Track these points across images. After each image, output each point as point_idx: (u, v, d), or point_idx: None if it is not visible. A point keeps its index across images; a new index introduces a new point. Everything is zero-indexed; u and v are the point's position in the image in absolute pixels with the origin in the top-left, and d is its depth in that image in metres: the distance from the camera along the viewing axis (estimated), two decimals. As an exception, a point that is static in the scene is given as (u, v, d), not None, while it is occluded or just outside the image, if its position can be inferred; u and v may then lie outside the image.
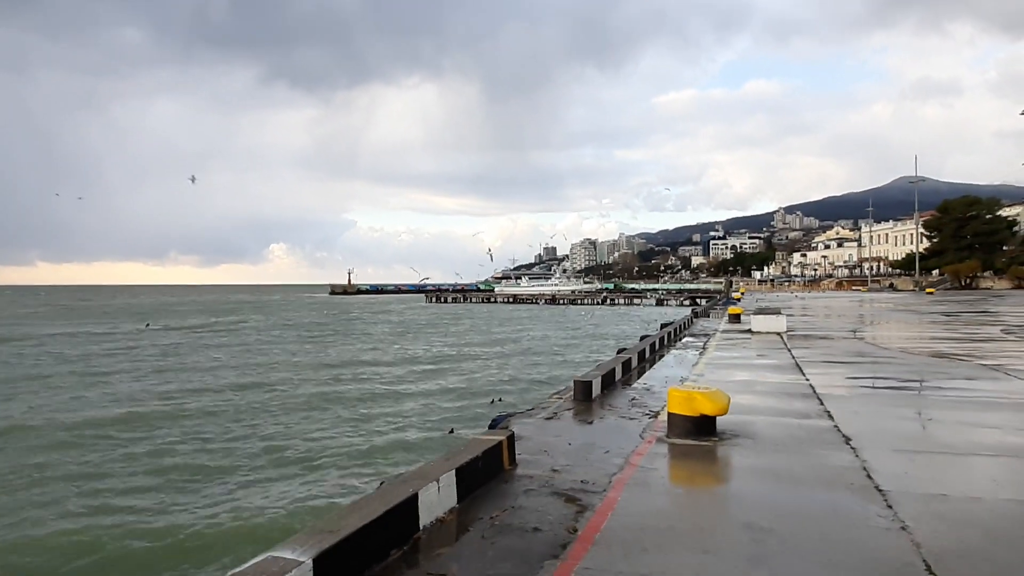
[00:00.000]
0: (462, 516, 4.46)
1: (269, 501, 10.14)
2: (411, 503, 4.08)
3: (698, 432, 6.50)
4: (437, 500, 4.37)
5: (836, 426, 7.02)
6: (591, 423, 7.58)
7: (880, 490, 4.83)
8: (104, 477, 11.66)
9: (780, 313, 20.40)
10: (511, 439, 5.66)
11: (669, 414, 6.76)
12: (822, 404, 8.27)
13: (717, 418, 6.61)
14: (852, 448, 6.09)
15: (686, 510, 4.65)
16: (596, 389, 9.20)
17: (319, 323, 59.15)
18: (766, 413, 7.74)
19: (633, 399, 9.02)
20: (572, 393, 9.13)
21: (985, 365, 11.88)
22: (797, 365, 12.05)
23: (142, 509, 9.96)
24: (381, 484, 6.31)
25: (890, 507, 4.48)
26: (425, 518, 4.21)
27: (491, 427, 8.72)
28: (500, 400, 19.11)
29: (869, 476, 5.19)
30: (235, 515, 9.47)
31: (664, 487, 5.18)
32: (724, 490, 5.15)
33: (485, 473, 5.11)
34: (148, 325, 54.44)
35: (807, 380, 10.25)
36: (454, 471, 4.62)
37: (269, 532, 8.36)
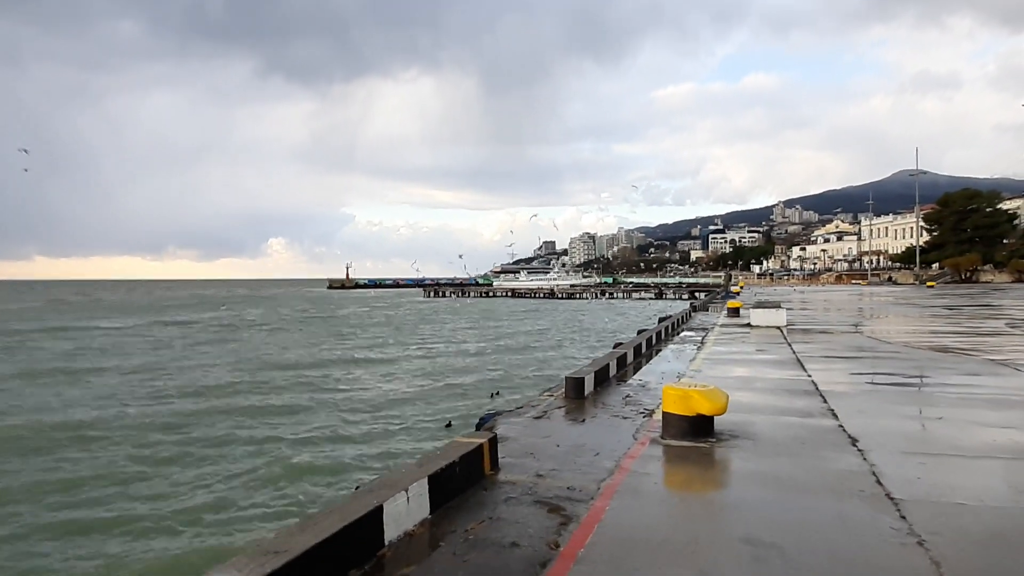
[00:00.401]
0: (435, 529, 4.07)
1: (242, 512, 9.60)
2: (375, 516, 3.68)
3: (695, 433, 6.10)
4: (406, 511, 3.98)
5: (841, 426, 6.63)
6: (582, 422, 7.18)
7: (892, 498, 4.44)
8: (51, 485, 10.75)
9: (780, 307, 20.09)
10: (493, 442, 5.26)
11: (664, 413, 6.35)
12: (825, 402, 7.88)
13: (715, 418, 6.22)
14: (859, 450, 5.70)
15: (680, 521, 4.25)
16: (589, 386, 8.80)
17: (315, 317, 58.70)
18: (767, 412, 7.35)
19: (627, 396, 8.61)
20: (564, 390, 8.73)
21: (992, 360, 11.49)
22: (798, 360, 11.65)
23: (90, 523, 9.21)
24: (357, 488, 5.93)
25: (904, 518, 4.09)
26: (392, 532, 3.81)
27: (478, 427, 8.33)
28: (498, 394, 18.77)
29: (879, 482, 4.80)
30: (205, 529, 8.95)
31: (657, 495, 4.78)
32: (722, 498, 4.75)
33: (463, 479, 4.71)
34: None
35: (809, 376, 9.86)
36: (426, 478, 4.22)
37: (233, 550, 7.88)
